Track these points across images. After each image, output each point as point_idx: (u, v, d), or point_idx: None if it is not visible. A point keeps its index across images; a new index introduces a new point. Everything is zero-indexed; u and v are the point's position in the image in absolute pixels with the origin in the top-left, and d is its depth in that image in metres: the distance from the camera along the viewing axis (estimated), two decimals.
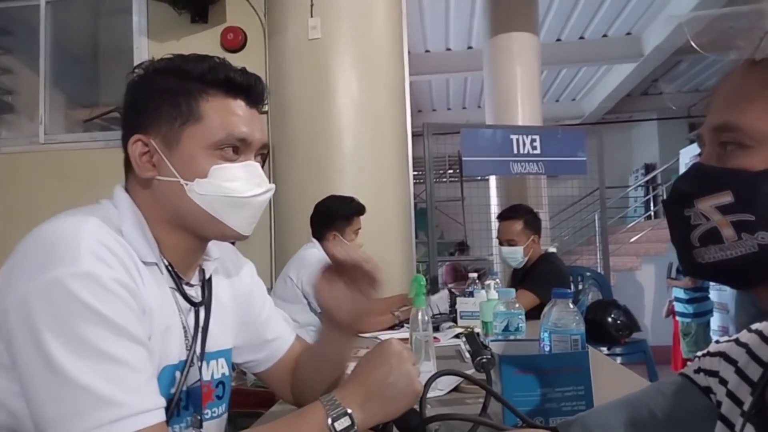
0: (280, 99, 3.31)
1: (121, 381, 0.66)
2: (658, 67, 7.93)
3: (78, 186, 3.39)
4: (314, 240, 2.38)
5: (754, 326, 0.63)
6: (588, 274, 3.87)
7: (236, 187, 0.81)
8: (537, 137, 3.78)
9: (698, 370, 0.68)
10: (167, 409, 0.78)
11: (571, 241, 8.54)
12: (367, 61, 3.26)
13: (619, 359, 3.39)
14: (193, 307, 0.88)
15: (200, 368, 0.87)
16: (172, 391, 0.81)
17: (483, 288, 1.91)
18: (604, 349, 3.33)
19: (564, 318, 0.96)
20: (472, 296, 2.13)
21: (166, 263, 0.84)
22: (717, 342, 0.68)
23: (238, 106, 0.83)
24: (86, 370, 0.65)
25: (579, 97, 10.32)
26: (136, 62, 3.72)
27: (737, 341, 0.64)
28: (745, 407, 0.57)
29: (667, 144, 9.58)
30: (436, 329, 2.12)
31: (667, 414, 0.68)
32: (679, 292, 4.63)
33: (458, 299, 2.14)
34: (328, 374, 1.01)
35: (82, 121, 4.05)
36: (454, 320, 2.16)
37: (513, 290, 1.29)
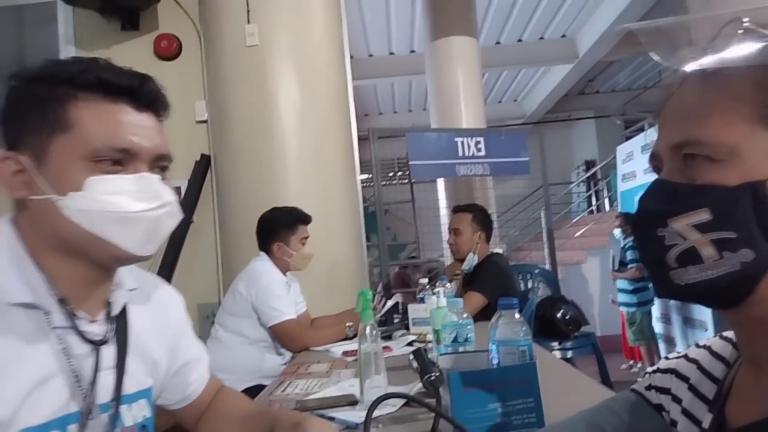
0: (220, 107, 3.21)
1: None
2: (592, 68, 8.22)
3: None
4: (262, 253, 2.31)
5: (702, 342, 0.62)
6: (536, 271, 3.94)
7: (120, 201, 0.71)
8: (481, 139, 3.82)
9: (649, 387, 0.67)
10: None
11: (520, 238, 8.73)
12: (308, 67, 3.20)
13: (569, 353, 3.46)
14: (94, 349, 0.76)
15: (113, 415, 0.76)
16: None
17: (434, 294, 1.89)
18: (555, 344, 3.40)
19: (511, 329, 0.95)
20: (423, 302, 2.11)
21: (57, 299, 0.73)
22: (666, 358, 0.67)
23: (121, 111, 0.73)
24: None
25: (520, 97, 10.58)
26: None
27: (687, 357, 0.63)
28: (705, 425, 0.56)
29: (605, 141, 9.94)
30: (389, 338, 2.09)
31: None
32: (623, 284, 4.79)
33: (410, 306, 2.11)
34: None
35: None
36: (407, 327, 2.14)
37: (460, 300, 1.27)
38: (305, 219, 2.37)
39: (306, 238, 2.34)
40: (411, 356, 1.05)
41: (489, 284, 2.50)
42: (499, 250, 2.90)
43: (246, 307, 2.16)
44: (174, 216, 0.77)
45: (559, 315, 3.44)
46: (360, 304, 1.25)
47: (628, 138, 6.70)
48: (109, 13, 3.34)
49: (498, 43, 7.79)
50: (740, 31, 0.48)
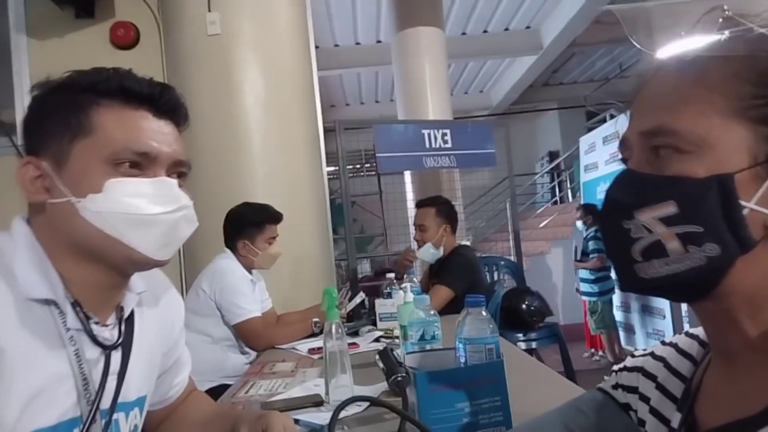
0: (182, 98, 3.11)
1: None
2: (555, 59, 8.32)
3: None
4: (227, 250, 2.25)
5: (669, 339, 0.62)
6: (502, 263, 3.98)
7: (138, 203, 0.72)
8: (448, 131, 3.81)
9: (616, 386, 0.66)
10: None
11: (486, 229, 8.82)
12: (272, 57, 3.14)
13: (534, 344, 3.52)
14: (103, 353, 0.76)
15: (107, 422, 0.75)
16: None
17: (401, 289, 1.88)
18: (520, 335, 3.44)
19: (478, 327, 0.94)
20: (391, 297, 2.10)
21: (72, 301, 0.73)
22: (632, 356, 0.66)
23: (141, 117, 0.75)
24: None
25: (486, 88, 10.65)
26: (14, 62, 3.40)
27: (653, 355, 0.63)
28: (674, 424, 0.55)
29: (568, 132, 10.10)
30: (356, 334, 2.08)
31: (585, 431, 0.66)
32: (585, 273, 4.89)
33: (377, 301, 2.10)
34: None
35: None
36: (374, 323, 2.13)
37: (427, 297, 1.27)
38: (275, 218, 2.30)
39: (274, 237, 2.28)
40: (377, 356, 1.03)
41: (456, 277, 2.51)
42: (467, 242, 2.90)
43: (209, 305, 2.11)
44: (191, 221, 0.79)
45: (524, 306, 3.48)
46: (325, 302, 1.23)
47: (590, 129, 6.82)
48: (62, 0, 3.20)
49: (464, 33, 7.80)
50: (720, 20, 0.47)
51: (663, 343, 0.63)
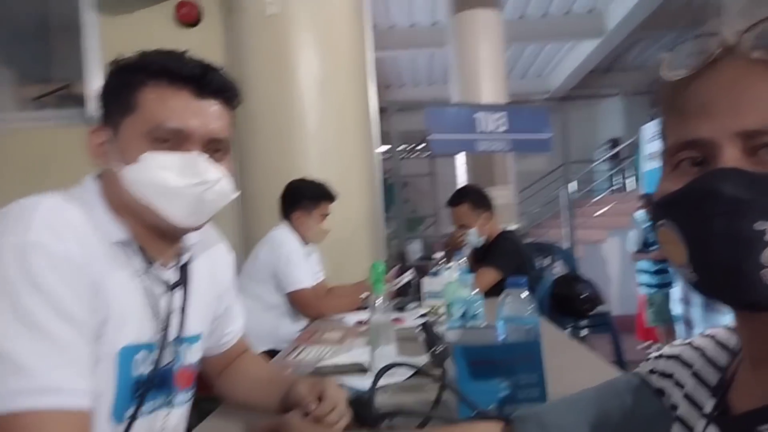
0: (239, 76, 3.15)
1: (44, 355, 0.66)
2: (619, 44, 7.99)
3: (29, 167, 3.26)
4: (283, 222, 2.35)
5: (707, 332, 0.62)
6: (554, 248, 3.92)
7: (166, 176, 0.80)
8: (502, 115, 3.77)
9: (652, 372, 0.67)
10: (137, 389, 0.81)
11: (540, 215, 8.67)
12: (329, 37, 3.18)
13: (584, 331, 3.46)
14: (167, 291, 0.87)
15: (176, 351, 0.88)
16: (137, 372, 0.82)
17: (448, 268, 1.90)
18: (570, 322, 3.39)
19: (518, 307, 0.95)
20: (437, 276, 2.12)
21: (137, 246, 0.84)
22: (671, 346, 0.66)
23: (182, 97, 0.81)
24: (13, 336, 0.65)
25: (545, 73, 10.37)
26: (85, 38, 3.58)
27: (691, 345, 0.63)
28: (706, 410, 0.55)
29: (631, 120, 9.72)
30: (402, 309, 2.12)
31: (620, 415, 0.66)
32: (646, 265, 4.74)
33: (424, 279, 2.12)
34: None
35: (32, 99, 3.87)
36: (419, 300, 2.16)
37: (471, 276, 1.28)
38: (330, 196, 2.38)
39: (326, 215, 2.36)
40: (418, 329, 1.06)
41: (503, 260, 2.50)
42: (512, 227, 2.88)
43: (265, 272, 2.21)
44: (221, 194, 0.85)
45: (575, 294, 3.42)
46: (372, 276, 1.27)
47: (653, 117, 6.55)
48: None
49: (522, 17, 7.61)
50: None
51: (702, 335, 0.63)
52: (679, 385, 0.61)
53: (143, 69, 0.82)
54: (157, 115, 0.80)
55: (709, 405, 0.55)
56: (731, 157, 0.45)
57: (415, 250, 8.11)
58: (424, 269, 2.32)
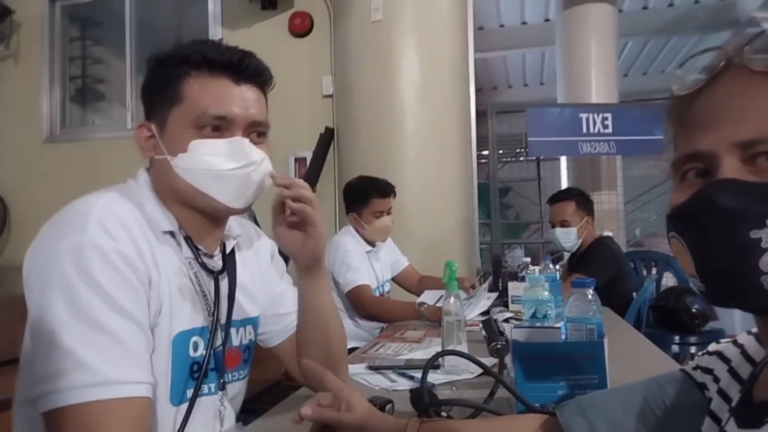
0: (344, 82, 3.37)
1: (104, 350, 0.71)
2: None
3: None
4: (349, 222, 2.37)
5: (754, 330, 0.61)
6: (661, 258, 3.69)
7: (215, 161, 0.84)
8: (609, 115, 3.61)
9: (696, 367, 0.67)
10: (194, 370, 0.87)
11: (657, 223, 8.11)
12: (430, 41, 3.25)
13: (693, 348, 3.23)
14: (213, 277, 0.93)
15: (226, 334, 0.93)
16: (194, 354, 0.88)
17: (533, 273, 1.89)
18: (676, 337, 3.18)
19: (581, 307, 0.96)
20: (524, 281, 2.11)
21: (185, 235, 0.90)
22: (718, 342, 0.66)
23: (222, 84, 0.86)
24: (74, 333, 0.70)
25: (669, 69, 9.66)
26: None
27: (735, 342, 0.63)
28: (734, 403, 0.57)
29: None
30: (487, 312, 2.13)
31: (660, 405, 0.68)
32: None
33: (510, 284, 2.12)
34: (312, 329, 1.02)
35: None
36: (506, 304, 2.16)
37: (541, 277, 1.28)
38: (382, 191, 2.29)
39: (382, 211, 2.28)
40: (480, 325, 1.09)
41: (598, 267, 2.42)
42: (609, 233, 2.76)
43: (331, 275, 2.22)
44: (264, 173, 0.89)
45: (684, 307, 3.20)
46: (446, 274, 1.31)
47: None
48: None
49: (645, 8, 7.16)
50: None
51: (748, 332, 0.62)
52: (716, 379, 0.62)
53: (185, 60, 0.86)
54: (201, 104, 0.84)
55: (737, 399, 0.56)
56: (730, 167, 0.47)
57: (517, 256, 7.93)
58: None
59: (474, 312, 1.99)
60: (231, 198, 0.87)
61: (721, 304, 0.48)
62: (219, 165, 0.85)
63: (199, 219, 0.91)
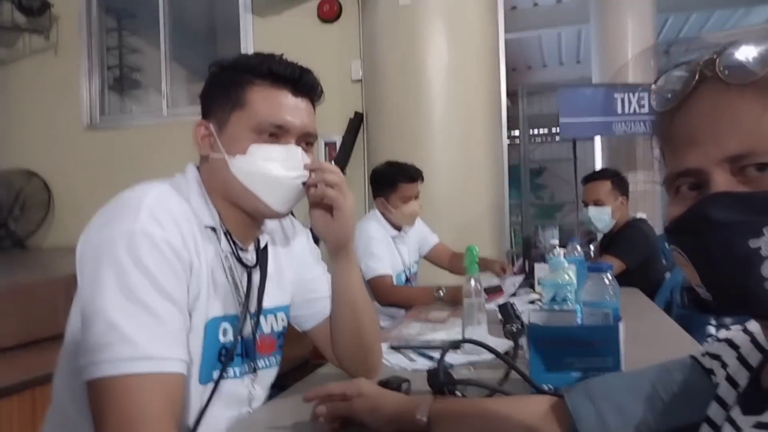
0: (373, 67, 3.38)
1: (146, 327, 0.76)
2: None
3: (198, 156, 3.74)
4: (376, 207, 2.38)
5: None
6: None
7: (272, 166, 0.91)
8: (645, 95, 3.52)
9: (704, 354, 0.68)
10: (222, 354, 0.92)
11: None
12: (459, 23, 3.22)
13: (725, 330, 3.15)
14: (246, 270, 0.98)
15: (256, 323, 0.99)
16: (223, 340, 0.94)
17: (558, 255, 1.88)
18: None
19: (598, 292, 0.96)
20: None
21: (224, 230, 0.95)
22: (729, 329, 0.67)
23: (283, 95, 0.93)
24: (121, 310, 0.76)
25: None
26: (242, 37, 3.97)
27: (745, 329, 0.63)
28: (741, 389, 0.57)
29: None
30: (513, 294, 2.13)
31: (668, 390, 0.68)
32: None
33: (536, 265, 2.12)
34: (342, 313, 1.06)
35: (199, 95, 4.41)
36: (532, 286, 2.16)
37: (563, 261, 1.28)
38: (410, 177, 2.30)
39: (411, 196, 2.29)
40: (497, 308, 1.11)
41: (629, 249, 2.39)
42: (643, 215, 2.71)
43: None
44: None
45: None
46: (467, 258, 1.33)
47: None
48: None
49: None
50: None
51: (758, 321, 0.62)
52: (724, 365, 0.62)
53: (250, 70, 0.92)
54: (262, 111, 0.91)
55: (744, 385, 0.56)
56: (721, 181, 0.47)
57: (551, 236, 7.83)
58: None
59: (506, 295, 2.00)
60: (278, 202, 0.93)
61: (728, 313, 0.49)
62: (274, 171, 0.91)
63: (241, 217, 0.96)
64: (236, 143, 0.91)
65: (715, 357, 0.65)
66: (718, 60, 0.48)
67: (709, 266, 0.47)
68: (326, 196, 0.94)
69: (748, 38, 0.48)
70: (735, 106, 0.47)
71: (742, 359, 0.60)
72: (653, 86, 0.53)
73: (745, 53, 0.47)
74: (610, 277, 0.99)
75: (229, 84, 0.93)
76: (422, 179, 2.36)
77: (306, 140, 0.95)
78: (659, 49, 5.05)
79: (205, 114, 0.96)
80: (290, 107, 0.93)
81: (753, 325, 0.63)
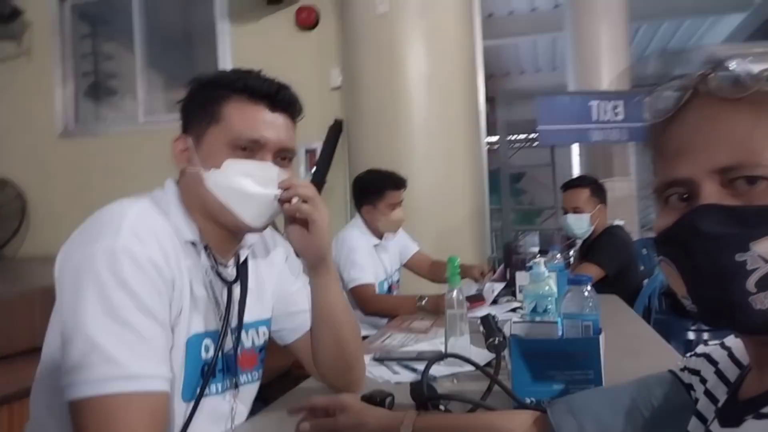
0: (352, 74, 3.38)
1: (129, 346, 0.76)
2: None
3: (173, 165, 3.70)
4: (357, 216, 2.38)
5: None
6: None
7: (245, 182, 0.90)
8: (620, 102, 3.59)
9: (684, 369, 0.69)
10: (205, 371, 0.92)
11: None
12: (436, 31, 3.24)
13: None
14: (226, 285, 0.98)
15: (237, 338, 0.98)
16: (205, 356, 0.93)
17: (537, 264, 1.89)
18: (690, 323, 3.16)
19: (577, 304, 0.97)
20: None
21: (204, 245, 0.95)
22: (706, 344, 0.68)
23: (259, 110, 0.93)
24: (103, 329, 0.75)
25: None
26: (219, 44, 3.94)
27: (722, 345, 0.64)
28: (720, 404, 0.58)
29: None
30: (495, 302, 2.14)
31: (648, 406, 0.69)
32: None
33: (517, 274, 2.13)
34: (322, 326, 1.06)
35: (176, 102, 4.36)
36: (513, 293, 2.17)
37: (544, 272, 1.29)
38: (396, 184, 2.32)
39: (396, 204, 2.31)
40: (479, 321, 1.11)
41: (608, 256, 2.42)
42: (620, 222, 2.75)
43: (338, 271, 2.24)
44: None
45: None
46: (448, 270, 1.33)
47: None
48: None
49: None
50: None
51: (735, 335, 0.63)
52: (703, 381, 0.63)
53: (227, 85, 0.93)
54: (238, 126, 0.91)
55: (723, 400, 0.57)
56: (710, 192, 0.48)
57: (531, 242, 7.92)
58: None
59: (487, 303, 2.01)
60: (252, 217, 0.92)
61: (713, 325, 0.49)
62: (247, 186, 0.90)
63: (219, 232, 0.96)
64: (212, 158, 0.91)
65: (695, 372, 0.66)
66: (712, 74, 0.49)
67: (695, 277, 0.48)
68: (300, 211, 0.94)
69: (740, 53, 0.49)
70: (727, 119, 0.48)
71: (720, 374, 0.61)
72: (647, 98, 0.54)
73: (739, 68, 0.48)
74: (589, 289, 1.00)
75: (206, 99, 0.93)
76: (405, 186, 2.37)
77: (283, 155, 0.95)
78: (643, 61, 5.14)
79: (185, 129, 0.96)
80: (267, 122, 0.92)
81: (730, 340, 0.64)
